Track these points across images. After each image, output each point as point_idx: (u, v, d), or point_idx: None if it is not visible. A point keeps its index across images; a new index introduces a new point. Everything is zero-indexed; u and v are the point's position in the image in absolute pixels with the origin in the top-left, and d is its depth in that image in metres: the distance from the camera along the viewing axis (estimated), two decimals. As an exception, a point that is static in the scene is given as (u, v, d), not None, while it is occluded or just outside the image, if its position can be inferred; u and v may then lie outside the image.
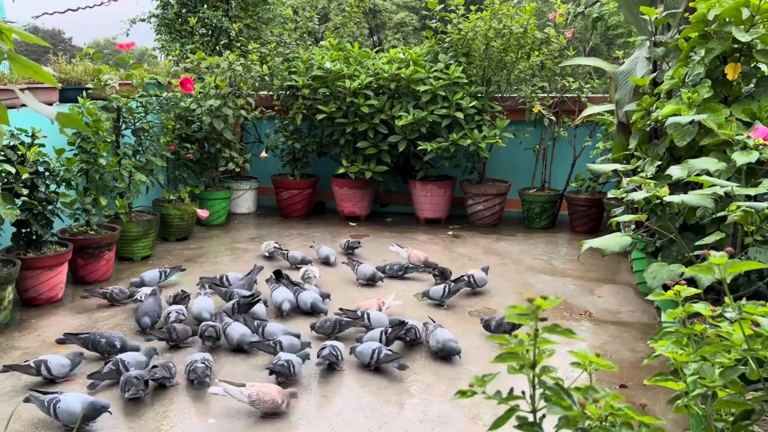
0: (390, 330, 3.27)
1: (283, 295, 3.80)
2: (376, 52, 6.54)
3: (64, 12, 7.06)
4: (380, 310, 3.62)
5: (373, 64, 6.09)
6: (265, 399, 2.62)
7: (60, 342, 3.27)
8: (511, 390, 1.19)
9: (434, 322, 3.44)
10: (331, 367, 3.11)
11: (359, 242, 5.16)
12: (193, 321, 3.57)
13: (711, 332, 1.50)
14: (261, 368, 3.12)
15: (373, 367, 3.11)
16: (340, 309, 3.65)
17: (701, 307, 1.55)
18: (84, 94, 4.59)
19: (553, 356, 1.19)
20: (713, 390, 1.42)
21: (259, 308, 3.62)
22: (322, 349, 3.08)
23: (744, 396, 1.44)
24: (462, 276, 4.17)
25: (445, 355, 3.20)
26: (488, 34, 5.84)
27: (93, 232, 4.39)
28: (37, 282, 3.84)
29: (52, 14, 7.14)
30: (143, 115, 5.07)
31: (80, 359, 3.03)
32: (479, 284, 4.18)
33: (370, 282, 4.34)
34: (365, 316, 3.48)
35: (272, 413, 2.67)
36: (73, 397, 2.56)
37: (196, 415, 2.71)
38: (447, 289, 3.96)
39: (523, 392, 1.19)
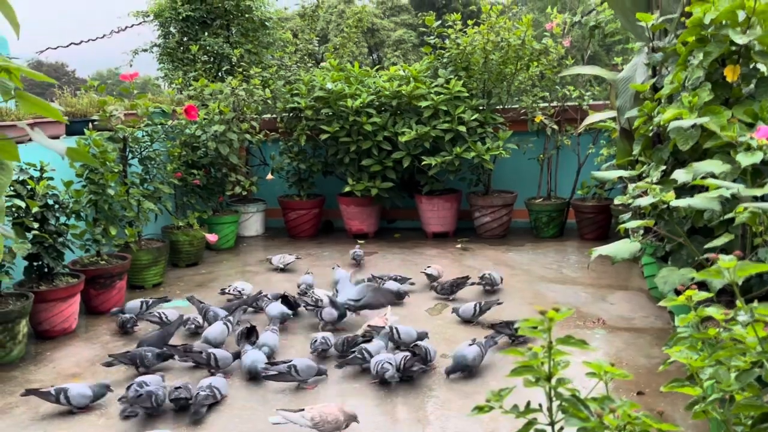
0: (408, 357, 3.19)
1: (277, 308, 3.91)
2: (377, 70, 6.60)
3: (67, 46, 7.16)
4: (384, 326, 3.58)
5: (374, 83, 6.14)
6: (329, 420, 2.57)
7: (107, 365, 3.31)
8: (528, 403, 1.19)
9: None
10: (321, 355, 3.42)
11: (362, 255, 5.32)
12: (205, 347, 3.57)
13: (725, 336, 1.50)
14: (276, 391, 3.12)
15: (340, 365, 3.26)
16: (368, 326, 3.64)
17: (714, 310, 1.55)
18: (90, 125, 4.65)
19: (568, 367, 1.20)
20: (730, 394, 1.41)
21: (269, 338, 3.49)
22: (314, 341, 3.41)
23: (761, 399, 1.43)
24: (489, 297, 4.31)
25: (460, 369, 3.19)
26: (486, 47, 5.88)
27: (104, 262, 4.42)
28: (50, 314, 3.87)
29: (56, 48, 7.25)
30: (149, 143, 5.12)
31: (105, 391, 3.02)
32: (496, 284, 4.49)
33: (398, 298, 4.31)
34: (393, 330, 3.45)
35: None
36: None
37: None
38: (478, 308, 3.90)
39: (540, 405, 1.20)
